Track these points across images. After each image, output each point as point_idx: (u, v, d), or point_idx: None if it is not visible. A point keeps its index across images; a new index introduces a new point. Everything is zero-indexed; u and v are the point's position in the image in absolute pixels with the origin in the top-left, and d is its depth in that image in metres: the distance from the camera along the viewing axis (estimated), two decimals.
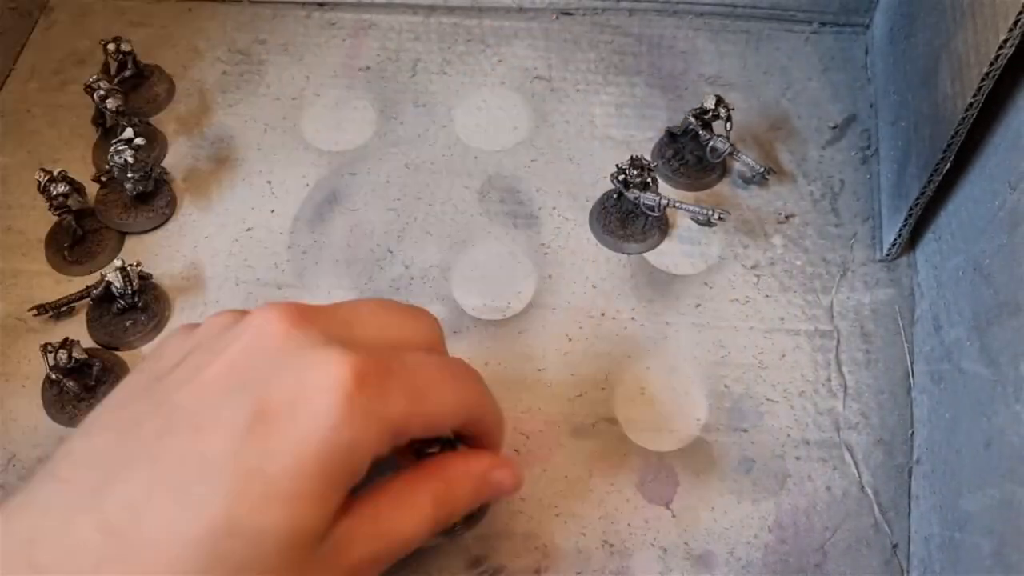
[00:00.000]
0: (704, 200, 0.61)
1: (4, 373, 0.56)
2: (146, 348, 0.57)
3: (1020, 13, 0.40)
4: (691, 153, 0.61)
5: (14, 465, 0.53)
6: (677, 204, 0.58)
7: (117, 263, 0.55)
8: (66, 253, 0.60)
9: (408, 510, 0.38)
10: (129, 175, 0.59)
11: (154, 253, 0.60)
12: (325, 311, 0.39)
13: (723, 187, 0.62)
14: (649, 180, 0.57)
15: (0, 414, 0.55)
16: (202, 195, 0.63)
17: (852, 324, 0.56)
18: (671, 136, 0.62)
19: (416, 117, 0.66)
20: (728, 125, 0.59)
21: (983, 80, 0.44)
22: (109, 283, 0.55)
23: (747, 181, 0.62)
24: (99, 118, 0.63)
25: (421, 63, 0.68)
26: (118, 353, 0.57)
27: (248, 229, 0.61)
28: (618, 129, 0.65)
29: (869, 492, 0.51)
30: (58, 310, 0.57)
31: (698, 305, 0.57)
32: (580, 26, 0.69)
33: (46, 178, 0.57)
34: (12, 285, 0.59)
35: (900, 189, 0.56)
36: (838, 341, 0.56)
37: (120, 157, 0.58)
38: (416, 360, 0.38)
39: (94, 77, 0.62)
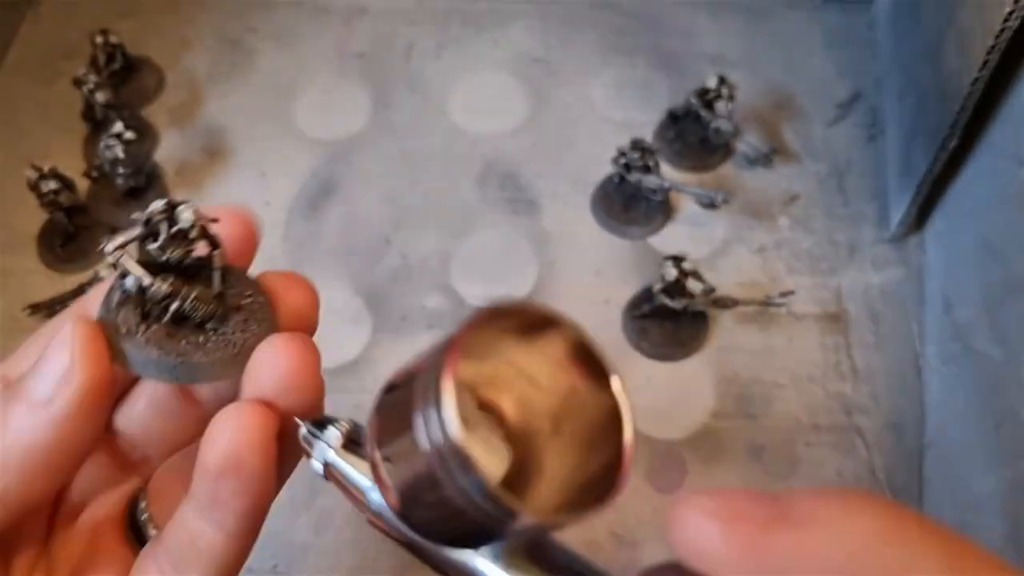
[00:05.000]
0: (707, 182, 0.60)
1: None
2: None
3: None
4: (694, 134, 0.60)
5: None
6: (680, 187, 0.57)
7: (110, 259, 0.54)
8: (58, 250, 0.59)
9: None
10: (120, 170, 0.58)
11: None
12: None
13: (727, 168, 0.61)
14: (651, 163, 0.56)
15: None
16: (195, 188, 0.62)
17: (860, 306, 0.55)
18: (673, 118, 0.61)
19: (411, 103, 0.64)
20: (730, 105, 0.58)
21: (989, 53, 0.43)
22: (102, 280, 0.54)
23: (751, 162, 0.60)
24: (89, 112, 0.62)
25: (415, 48, 0.67)
26: None
27: None
28: (619, 111, 0.63)
29: (881, 476, 0.51)
30: (52, 309, 0.56)
31: None
32: (577, 6, 0.68)
33: (36, 175, 0.56)
34: (4, 284, 0.58)
35: (907, 166, 0.55)
36: (847, 323, 0.55)
37: (111, 152, 0.57)
38: None
39: (83, 71, 0.61)
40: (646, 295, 0.55)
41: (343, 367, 0.55)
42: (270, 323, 0.27)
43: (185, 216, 0.25)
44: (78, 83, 0.61)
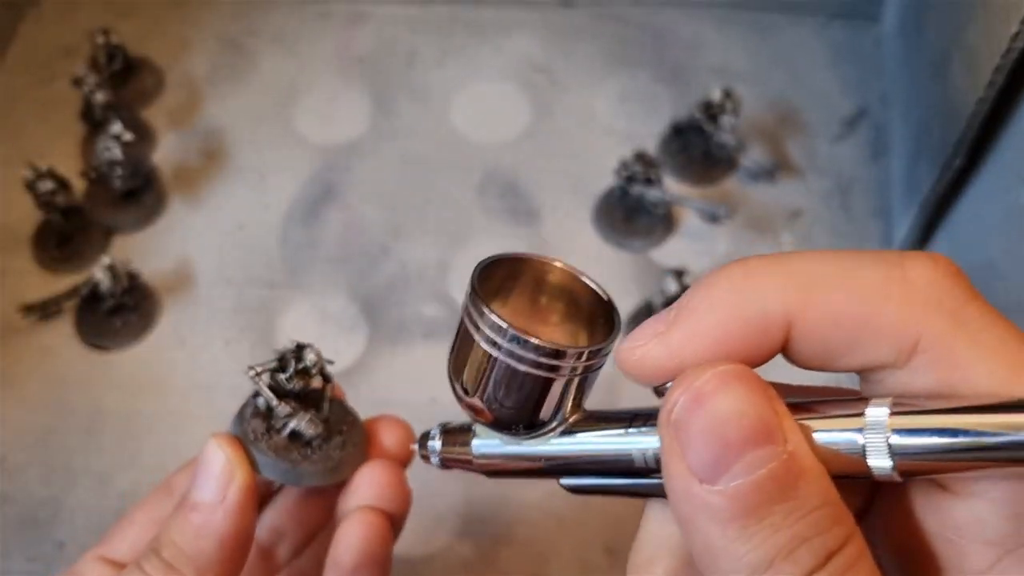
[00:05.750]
0: (710, 196, 0.60)
1: None
2: (136, 348, 0.55)
3: None
4: (697, 148, 0.60)
5: (3, 467, 0.52)
6: (682, 200, 0.56)
7: (105, 261, 0.54)
8: (53, 251, 0.58)
9: None
10: (118, 171, 0.57)
11: (143, 251, 0.59)
12: None
13: (730, 183, 0.60)
14: (653, 176, 0.55)
15: None
16: (192, 191, 0.61)
17: None
18: (677, 130, 0.61)
19: (412, 110, 0.64)
20: (735, 119, 0.58)
21: (995, 73, 0.42)
22: (97, 282, 0.54)
23: (754, 177, 0.60)
24: (87, 112, 0.62)
25: (418, 54, 0.66)
26: (109, 354, 0.55)
27: (239, 226, 0.60)
28: (622, 122, 0.63)
29: None
30: (46, 310, 0.56)
31: None
32: (582, 16, 0.68)
33: (33, 175, 0.56)
34: None
35: (912, 184, 0.54)
36: None
37: (109, 153, 0.57)
38: None
39: (83, 71, 0.60)
40: (646, 309, 0.54)
41: (337, 375, 0.54)
42: (363, 447, 0.36)
43: (310, 357, 0.34)
44: (77, 83, 0.60)
